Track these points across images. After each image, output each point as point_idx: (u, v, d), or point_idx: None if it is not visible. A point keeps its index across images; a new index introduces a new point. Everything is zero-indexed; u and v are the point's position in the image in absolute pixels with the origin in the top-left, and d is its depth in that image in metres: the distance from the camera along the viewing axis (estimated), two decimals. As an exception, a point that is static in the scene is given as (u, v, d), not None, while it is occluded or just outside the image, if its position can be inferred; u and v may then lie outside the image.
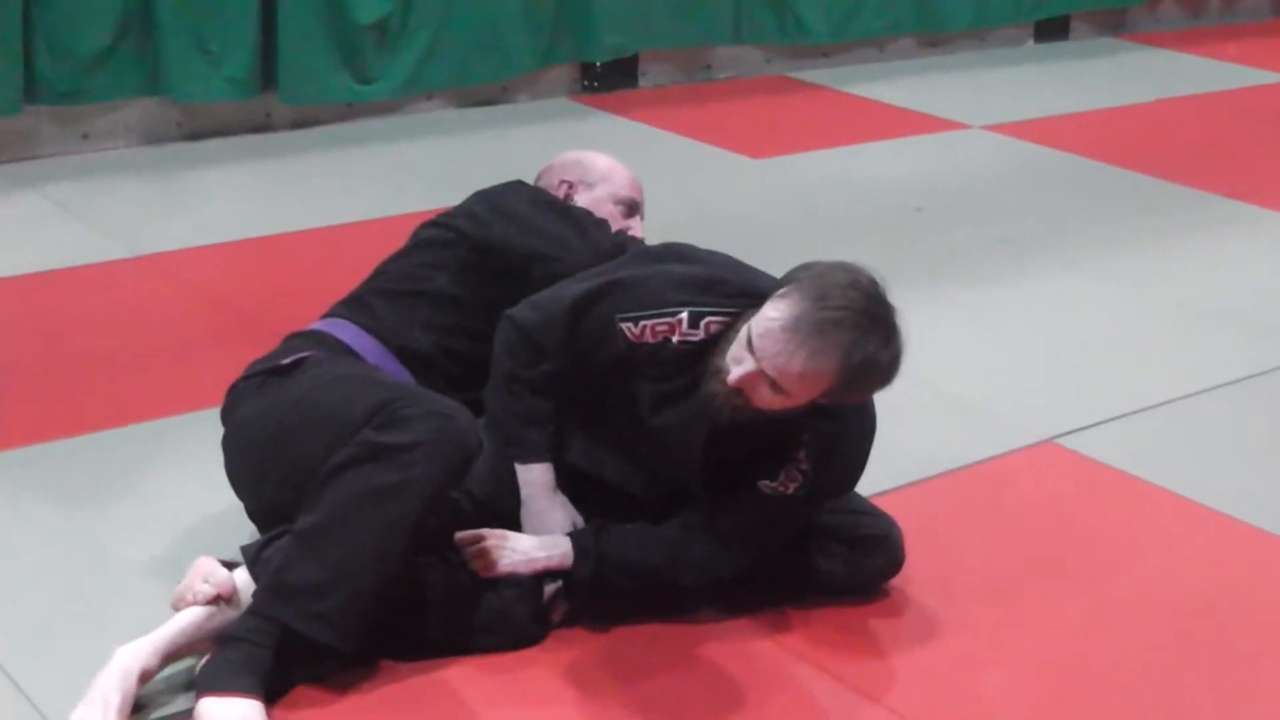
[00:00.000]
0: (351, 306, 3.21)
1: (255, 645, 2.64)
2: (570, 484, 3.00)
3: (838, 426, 2.84)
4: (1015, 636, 3.02)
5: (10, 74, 5.42)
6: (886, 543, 3.04)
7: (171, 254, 4.79)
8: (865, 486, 3.17)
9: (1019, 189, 5.92)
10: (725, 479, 2.90)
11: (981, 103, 7.14)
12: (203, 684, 2.61)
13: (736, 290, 2.82)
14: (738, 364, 2.67)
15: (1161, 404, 4.07)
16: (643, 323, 2.85)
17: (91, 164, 5.63)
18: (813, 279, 2.67)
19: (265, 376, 3.01)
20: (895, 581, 3.09)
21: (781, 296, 2.66)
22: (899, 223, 5.42)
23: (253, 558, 2.76)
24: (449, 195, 3.63)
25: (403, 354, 3.12)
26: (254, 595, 2.70)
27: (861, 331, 2.61)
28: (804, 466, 2.84)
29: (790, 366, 2.61)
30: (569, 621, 2.93)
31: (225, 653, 2.64)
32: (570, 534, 2.91)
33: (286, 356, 3.02)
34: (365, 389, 2.84)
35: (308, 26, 5.99)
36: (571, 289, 2.95)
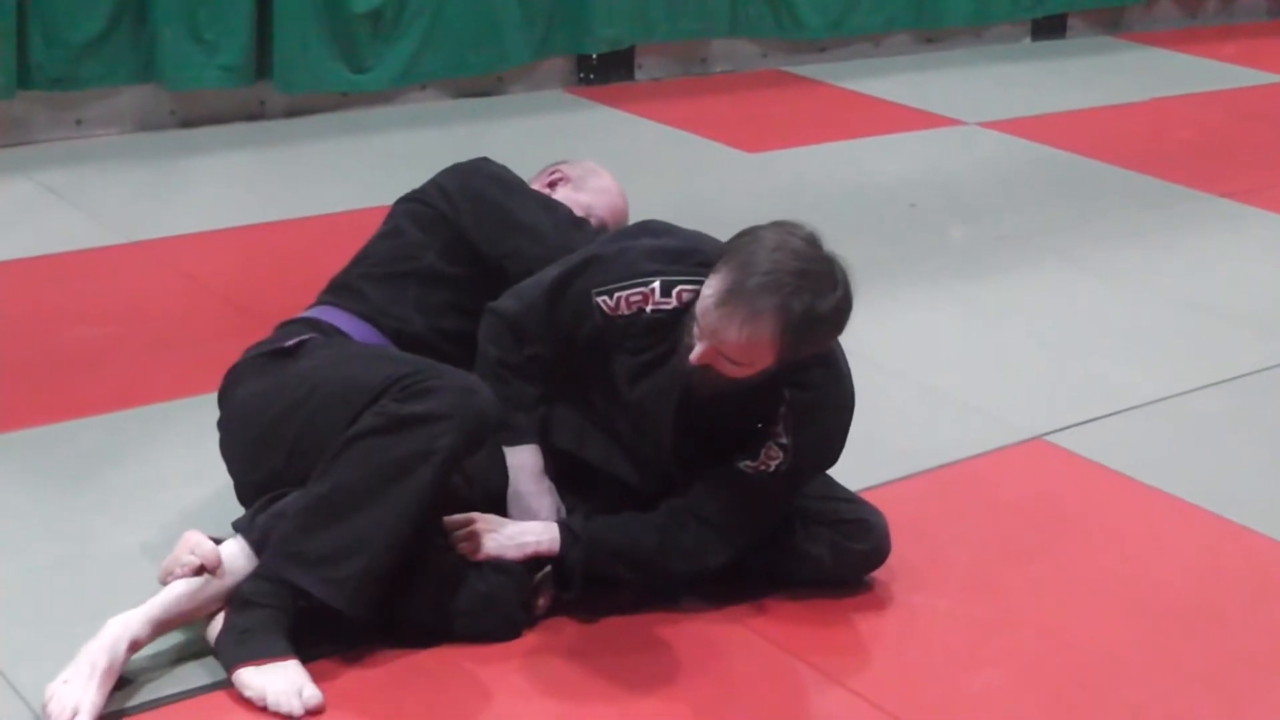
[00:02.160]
0: (341, 293, 3.21)
1: (275, 609, 2.67)
2: (556, 471, 3.01)
3: (813, 396, 2.86)
4: (1002, 633, 3.02)
5: (3, 59, 5.41)
6: (871, 529, 3.04)
7: (165, 241, 4.78)
8: (853, 480, 3.18)
9: (1013, 186, 5.92)
10: (705, 459, 2.91)
11: (977, 100, 7.14)
12: (234, 655, 2.64)
13: (708, 259, 2.82)
14: (698, 343, 2.70)
15: (1152, 402, 4.07)
16: (617, 294, 2.88)
17: (85, 150, 5.62)
18: (741, 248, 2.70)
19: (267, 358, 3.00)
20: (882, 575, 3.09)
21: (715, 271, 2.69)
22: (893, 219, 5.42)
23: (246, 525, 2.76)
24: (441, 185, 3.62)
25: (399, 337, 3.12)
26: (263, 560, 2.70)
27: (790, 290, 2.62)
28: (783, 440, 2.85)
29: (729, 338, 2.65)
30: (552, 611, 2.92)
31: (243, 619, 2.67)
32: (559, 520, 2.92)
33: (288, 340, 3.01)
34: (381, 362, 2.87)
35: (303, 15, 5.99)
36: (550, 273, 2.98)
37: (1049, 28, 8.47)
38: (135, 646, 2.63)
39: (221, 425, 3.03)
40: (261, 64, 5.99)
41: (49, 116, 5.68)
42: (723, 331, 2.65)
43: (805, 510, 3.01)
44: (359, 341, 3.07)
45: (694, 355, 2.70)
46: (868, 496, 3.17)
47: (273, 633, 2.66)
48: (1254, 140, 6.79)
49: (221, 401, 3.05)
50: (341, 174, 5.55)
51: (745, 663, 2.87)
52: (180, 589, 2.69)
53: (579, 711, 2.71)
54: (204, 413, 3.11)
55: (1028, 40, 8.41)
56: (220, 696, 2.65)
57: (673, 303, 2.84)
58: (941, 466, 3.65)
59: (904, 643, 2.99)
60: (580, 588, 2.91)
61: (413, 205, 3.30)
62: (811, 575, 3.03)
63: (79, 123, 5.74)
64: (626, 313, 2.88)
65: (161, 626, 2.67)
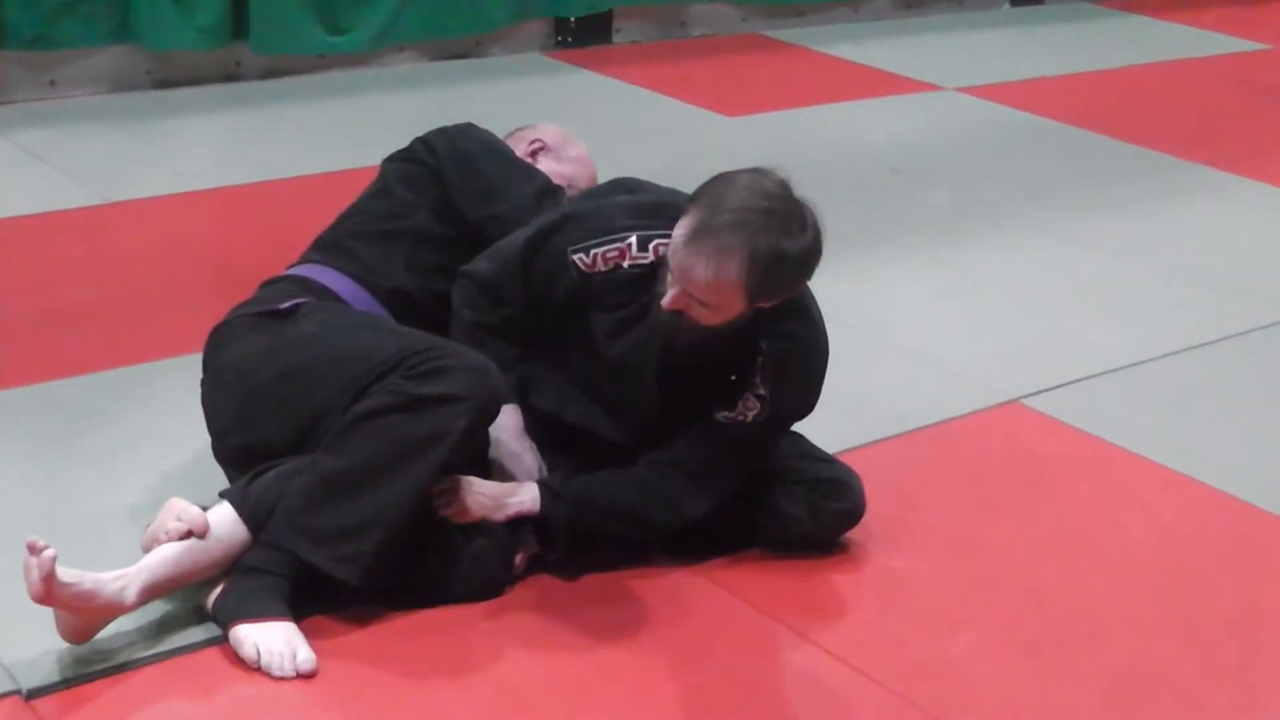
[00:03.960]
0: (330, 251, 3.19)
1: (277, 576, 2.68)
2: (535, 430, 3.01)
3: (789, 346, 2.87)
4: (979, 593, 3.03)
5: (-22, 19, 5.37)
6: (847, 488, 3.05)
7: (141, 201, 4.75)
8: (830, 442, 3.18)
9: (993, 152, 5.91)
10: (685, 412, 2.91)
11: (957, 65, 7.13)
12: (231, 613, 2.65)
13: (683, 213, 2.82)
14: (669, 288, 2.72)
15: (1129, 365, 4.08)
16: (593, 251, 2.89)
17: (60, 111, 5.58)
18: (711, 189, 2.72)
19: (259, 318, 2.97)
20: (858, 536, 3.10)
21: (685, 214, 2.70)
22: (874, 183, 5.41)
23: (238, 498, 2.74)
24: (419, 146, 3.60)
25: (392, 298, 3.11)
26: (269, 531, 2.70)
27: (756, 228, 2.64)
28: (760, 390, 2.86)
29: (697, 276, 2.66)
30: (531, 569, 2.93)
31: (246, 583, 2.67)
32: (540, 480, 2.92)
33: (280, 301, 2.99)
34: (388, 335, 2.86)
35: (280, -24, 5.95)
36: (523, 233, 2.99)
37: (1029, -7, 8.46)
38: (119, 609, 2.61)
39: (207, 384, 3.01)
40: (238, 25, 5.95)
41: (24, 76, 5.64)
42: (690, 270, 2.66)
43: (782, 470, 3.02)
44: (356, 310, 3.05)
45: (666, 300, 2.71)
46: (845, 458, 3.18)
47: (273, 596, 2.67)
48: (1234, 108, 6.80)
49: (207, 360, 3.03)
50: (319, 136, 5.52)
51: (720, 622, 2.88)
52: (166, 552, 2.67)
53: (559, 665, 2.72)
54: (182, 374, 3.10)
55: (1007, 6, 8.40)
56: (214, 653, 2.65)
57: (649, 257, 2.85)
58: (919, 429, 3.65)
59: (881, 603, 2.99)
60: (565, 547, 2.91)
61: (402, 165, 3.28)
62: (789, 535, 3.04)
63: (54, 83, 5.70)
64: (603, 269, 2.88)
65: (148, 591, 2.65)
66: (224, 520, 2.72)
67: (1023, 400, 3.83)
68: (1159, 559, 3.20)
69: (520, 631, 2.80)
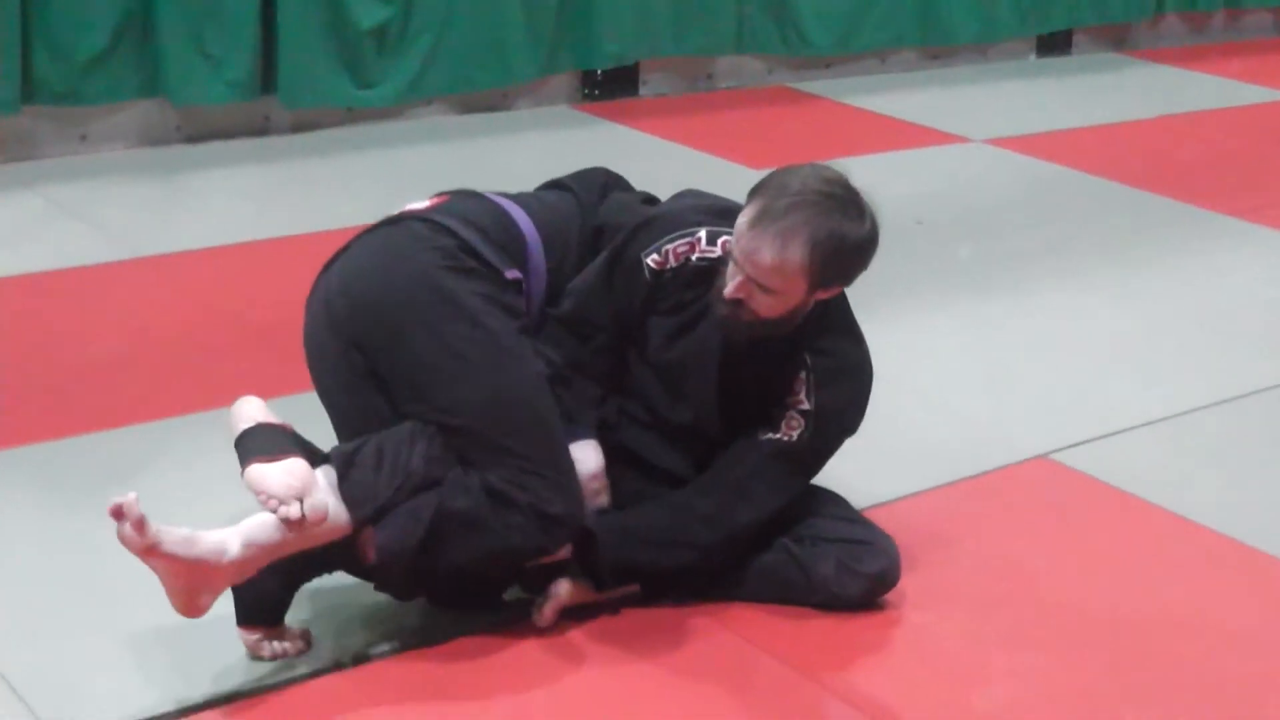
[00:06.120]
0: (507, 196, 3.14)
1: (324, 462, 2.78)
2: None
3: (834, 360, 2.91)
4: (1007, 650, 3.01)
5: (8, 73, 5.40)
6: (880, 552, 3.04)
7: (170, 256, 4.78)
8: (860, 497, 3.18)
9: (1020, 203, 5.91)
10: (738, 427, 2.94)
11: (983, 116, 7.14)
12: (249, 452, 2.74)
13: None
14: (730, 279, 2.78)
15: (1158, 420, 4.06)
16: (665, 248, 2.95)
17: (90, 165, 5.62)
18: (773, 179, 2.80)
19: (465, 275, 2.89)
20: (889, 592, 3.07)
21: (749, 202, 2.78)
22: (899, 235, 5.36)
23: (343, 471, 2.77)
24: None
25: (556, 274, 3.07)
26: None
27: (821, 210, 2.73)
28: (804, 406, 2.89)
29: (762, 258, 2.72)
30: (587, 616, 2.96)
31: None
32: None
33: (508, 270, 2.94)
34: (522, 410, 2.85)
35: (308, 30, 5.98)
36: (600, 258, 3.02)
37: (1054, 44, 8.47)
38: (227, 572, 2.66)
39: (356, 257, 3.01)
40: (267, 79, 5.99)
41: (54, 131, 5.68)
42: (755, 253, 2.72)
43: (815, 530, 3.02)
44: (524, 350, 2.93)
45: (729, 289, 2.77)
46: (873, 512, 3.18)
47: (302, 448, 2.77)
48: (1261, 158, 6.78)
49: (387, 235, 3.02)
50: (347, 190, 5.54)
51: (747, 677, 2.86)
52: (268, 518, 2.69)
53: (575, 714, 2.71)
54: (209, 430, 3.10)
55: (1033, 57, 8.41)
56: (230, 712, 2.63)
57: (717, 251, 2.91)
58: (947, 484, 3.63)
59: (908, 657, 2.98)
60: (611, 581, 2.93)
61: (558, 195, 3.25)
62: (819, 599, 3.02)
63: (84, 138, 5.74)
64: (674, 264, 2.94)
65: (248, 552, 2.66)
66: (338, 513, 2.74)
67: (1052, 455, 3.81)
68: (1188, 616, 3.18)
69: (535, 676, 2.80)
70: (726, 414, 2.96)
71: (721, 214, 2.97)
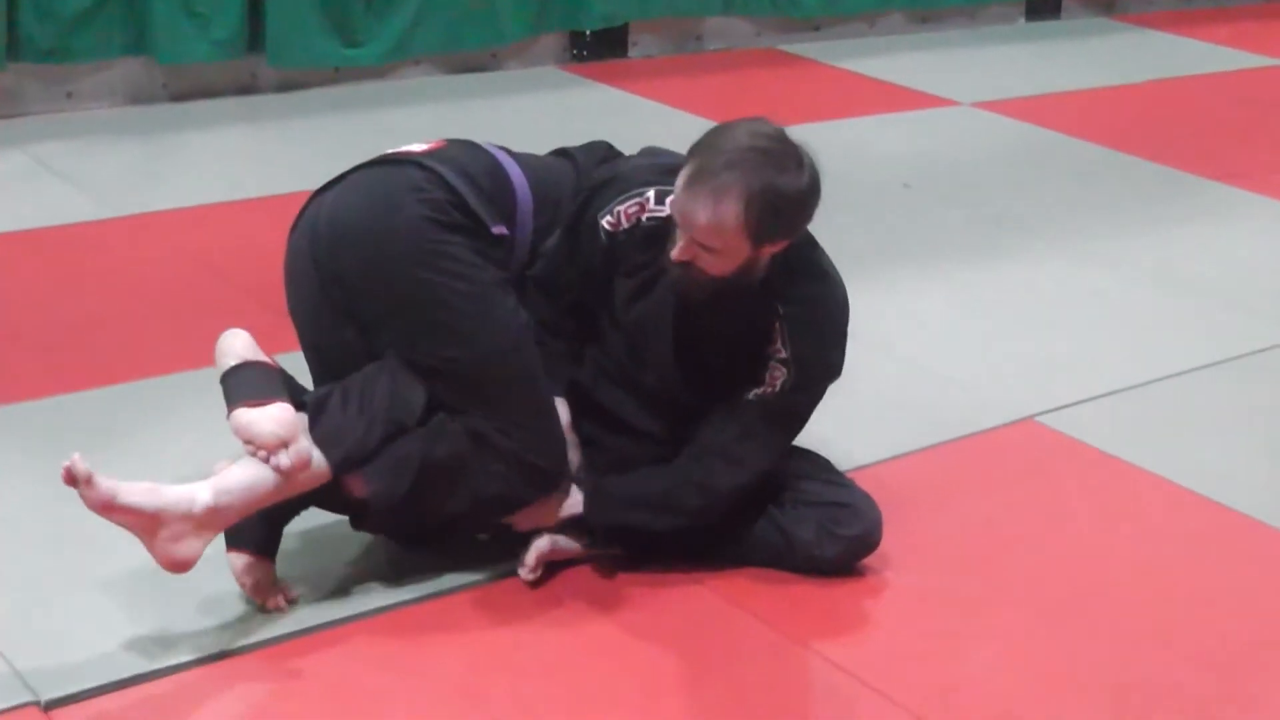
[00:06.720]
0: (506, 151, 3.13)
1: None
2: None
3: (805, 305, 2.90)
4: (993, 611, 3.03)
5: (-6, 31, 5.39)
6: (861, 515, 3.04)
7: (156, 215, 4.77)
8: (843, 458, 3.18)
9: (1007, 167, 5.91)
10: (711, 393, 2.94)
11: (972, 80, 7.12)
12: (236, 396, 2.75)
13: None
14: (676, 241, 2.78)
15: (1144, 384, 4.07)
16: (616, 209, 2.95)
17: (76, 123, 5.61)
18: (708, 139, 2.78)
19: (450, 227, 2.88)
20: (873, 555, 3.09)
21: (686, 162, 2.77)
22: (887, 199, 5.41)
23: (315, 416, 2.78)
24: (434, 160, 3.60)
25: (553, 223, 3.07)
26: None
27: (754, 166, 2.71)
28: (783, 354, 2.89)
29: (698, 219, 2.71)
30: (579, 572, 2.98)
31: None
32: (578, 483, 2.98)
33: (494, 225, 2.94)
34: (515, 357, 2.88)
35: (296, -11, 5.96)
36: (566, 223, 3.03)
37: (1043, 8, 8.45)
38: (211, 517, 2.67)
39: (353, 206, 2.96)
40: (254, 38, 5.97)
41: (40, 89, 5.66)
42: (692, 214, 2.72)
43: (794, 490, 3.03)
44: (516, 316, 2.93)
45: (674, 251, 2.77)
46: (858, 475, 3.18)
47: (288, 390, 2.79)
48: (1247, 124, 6.78)
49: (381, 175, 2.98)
50: (333, 149, 5.49)
51: (730, 636, 2.88)
52: (248, 467, 2.71)
53: (566, 678, 2.73)
54: (195, 388, 3.10)
55: (1022, 20, 8.39)
56: (232, 665, 2.64)
57: (667, 210, 2.88)
58: (932, 445, 3.64)
59: (894, 618, 2.99)
60: (604, 540, 2.97)
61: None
62: (799, 562, 3.03)
63: (70, 95, 5.72)
64: (626, 225, 2.93)
65: (220, 501, 2.66)
66: (319, 460, 2.75)
67: (1037, 418, 3.82)
68: (1173, 578, 3.19)
69: (527, 644, 2.80)
70: (693, 376, 2.97)
71: (672, 171, 2.92)
